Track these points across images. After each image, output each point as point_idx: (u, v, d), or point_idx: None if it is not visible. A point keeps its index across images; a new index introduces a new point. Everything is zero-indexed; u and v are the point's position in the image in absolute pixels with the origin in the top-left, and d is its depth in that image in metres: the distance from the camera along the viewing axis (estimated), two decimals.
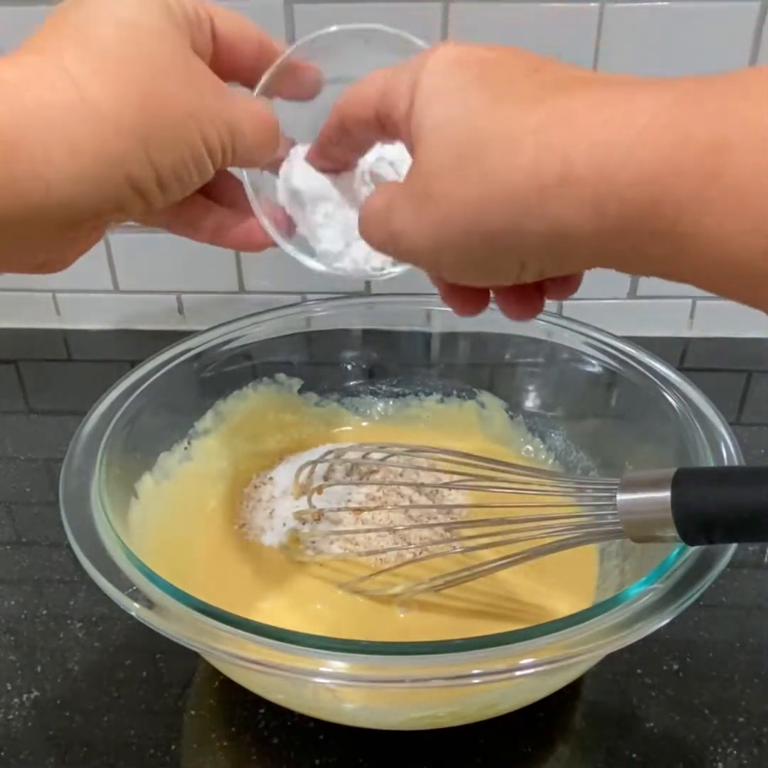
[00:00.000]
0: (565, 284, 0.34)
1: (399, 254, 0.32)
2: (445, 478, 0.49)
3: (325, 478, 0.50)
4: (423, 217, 0.29)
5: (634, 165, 0.24)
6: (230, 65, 0.36)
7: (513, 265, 0.29)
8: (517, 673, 0.32)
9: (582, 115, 0.26)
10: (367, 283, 0.74)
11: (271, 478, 0.54)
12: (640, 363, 0.51)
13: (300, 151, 0.38)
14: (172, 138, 0.31)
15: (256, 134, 0.35)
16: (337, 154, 0.37)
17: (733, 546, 0.36)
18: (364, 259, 0.39)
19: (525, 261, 0.28)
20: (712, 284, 0.25)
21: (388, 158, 0.38)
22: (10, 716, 0.43)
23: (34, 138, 0.28)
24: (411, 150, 0.30)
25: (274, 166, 0.39)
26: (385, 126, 0.32)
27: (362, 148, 0.37)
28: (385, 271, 0.39)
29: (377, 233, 0.32)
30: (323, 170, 0.38)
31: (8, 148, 0.27)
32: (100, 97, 0.29)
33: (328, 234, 0.39)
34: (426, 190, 0.29)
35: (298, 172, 0.38)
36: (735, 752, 0.41)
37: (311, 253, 0.40)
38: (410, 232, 0.30)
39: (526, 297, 0.33)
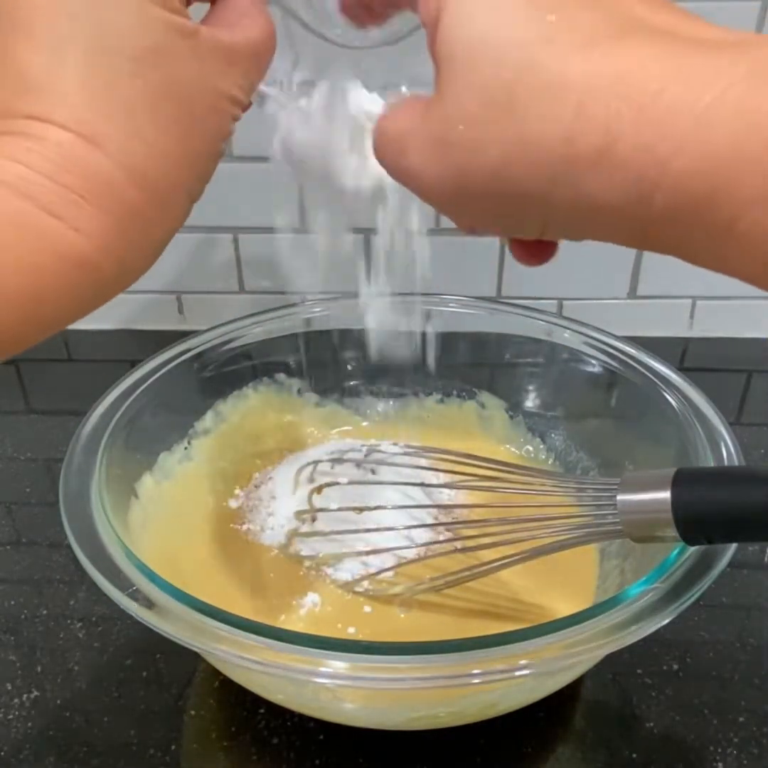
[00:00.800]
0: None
1: (413, 191, 0.29)
2: (446, 478, 0.49)
3: (326, 477, 0.50)
4: (439, 163, 0.26)
5: (692, 151, 0.21)
6: None
7: (534, 227, 0.26)
8: (517, 673, 0.32)
9: (635, 76, 0.22)
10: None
11: (271, 478, 0.54)
12: (640, 363, 0.50)
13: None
14: (208, 171, 0.30)
15: (258, 70, 0.32)
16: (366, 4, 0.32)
17: (733, 546, 0.36)
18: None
19: (548, 225, 0.26)
20: (763, 283, 0.23)
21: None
22: (10, 716, 0.43)
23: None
24: (435, 69, 0.26)
25: None
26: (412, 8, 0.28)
27: (397, 7, 0.32)
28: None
29: (390, 164, 0.29)
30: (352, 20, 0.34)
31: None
32: (149, 183, 0.27)
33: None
34: (446, 136, 0.25)
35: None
36: (735, 752, 0.41)
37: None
38: (426, 176, 0.27)
39: (541, 243, 0.30)
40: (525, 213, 0.26)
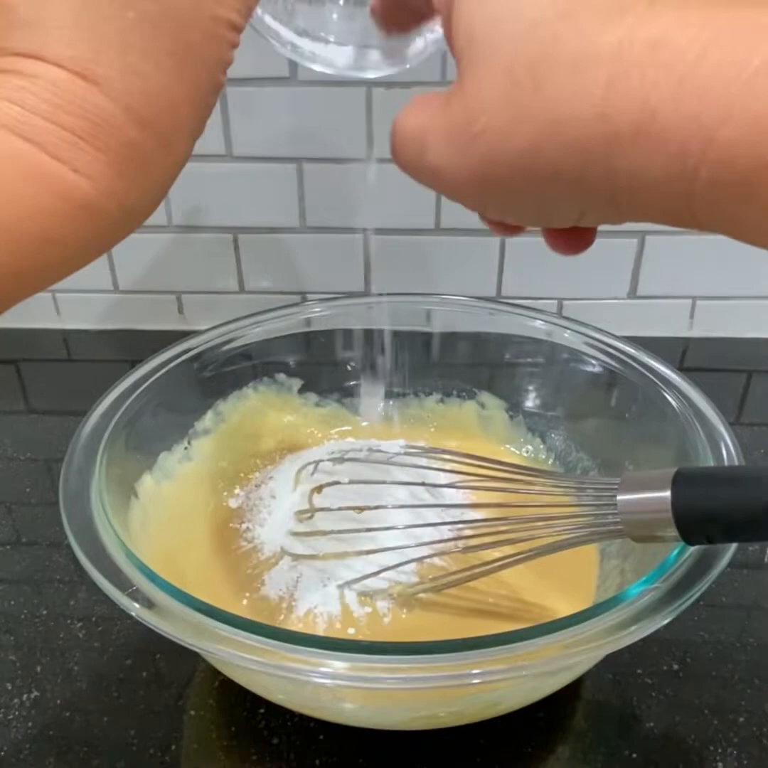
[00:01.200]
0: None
1: (437, 189, 0.27)
2: (446, 477, 0.49)
3: (326, 477, 0.50)
4: (465, 155, 0.25)
5: (740, 119, 0.19)
6: None
7: (568, 214, 0.25)
8: (517, 673, 0.32)
9: (671, 42, 0.20)
10: (367, 283, 0.74)
11: (271, 478, 0.54)
12: (640, 363, 0.50)
13: None
14: (209, 104, 0.29)
15: None
16: (396, 13, 0.31)
17: (733, 546, 0.36)
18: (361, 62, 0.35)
19: (584, 212, 0.24)
20: None
21: None
22: (10, 716, 0.43)
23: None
24: (456, 59, 0.25)
25: None
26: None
27: (424, 16, 0.31)
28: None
29: (410, 164, 0.27)
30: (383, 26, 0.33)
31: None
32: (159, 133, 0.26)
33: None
34: (470, 126, 0.24)
35: None
36: (735, 752, 0.41)
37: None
38: (450, 171, 0.25)
39: (577, 231, 0.29)
40: (560, 199, 0.24)
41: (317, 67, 0.36)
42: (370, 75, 0.36)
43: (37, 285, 0.26)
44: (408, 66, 0.36)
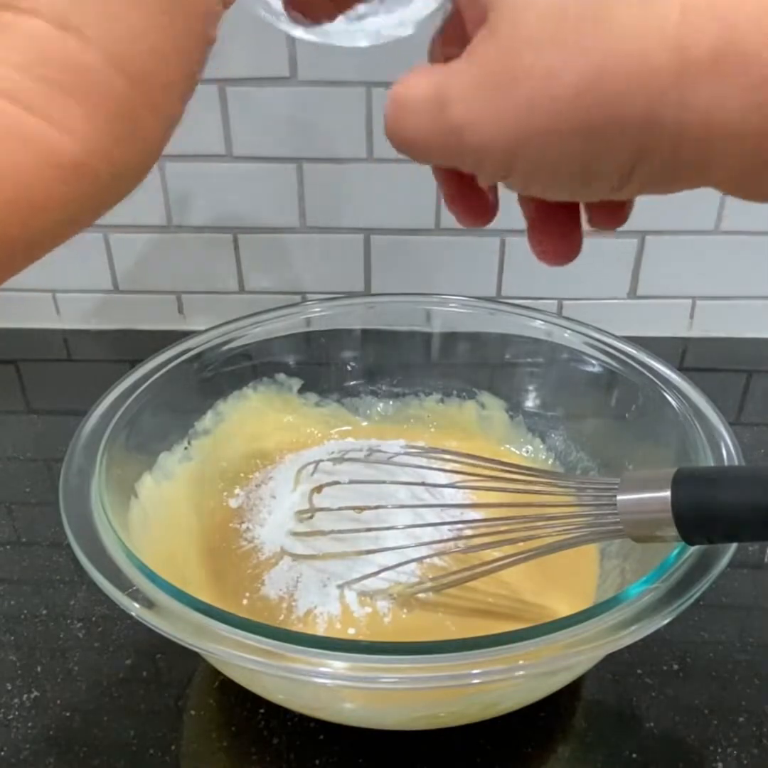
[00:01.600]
0: (618, 212, 0.27)
1: (458, 153, 0.24)
2: (446, 477, 0.49)
3: (326, 477, 0.50)
4: (502, 102, 0.22)
5: None
6: None
7: (615, 172, 0.22)
8: (517, 673, 0.32)
9: None
10: (367, 283, 0.74)
11: (271, 478, 0.54)
12: (640, 363, 0.51)
13: None
14: (200, 58, 0.27)
15: None
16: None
17: (733, 546, 0.36)
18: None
19: (636, 167, 0.21)
20: None
21: None
22: (10, 716, 0.43)
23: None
24: (482, 13, 0.23)
25: None
26: None
27: None
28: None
29: (422, 130, 0.24)
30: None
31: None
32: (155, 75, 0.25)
33: None
34: (510, 69, 0.22)
35: None
36: (735, 752, 0.41)
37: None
38: (482, 124, 0.22)
39: (566, 228, 0.27)
40: (607, 154, 0.21)
41: (310, 38, 0.34)
42: (364, 43, 0.34)
43: (29, 254, 0.25)
44: (410, 33, 0.33)
